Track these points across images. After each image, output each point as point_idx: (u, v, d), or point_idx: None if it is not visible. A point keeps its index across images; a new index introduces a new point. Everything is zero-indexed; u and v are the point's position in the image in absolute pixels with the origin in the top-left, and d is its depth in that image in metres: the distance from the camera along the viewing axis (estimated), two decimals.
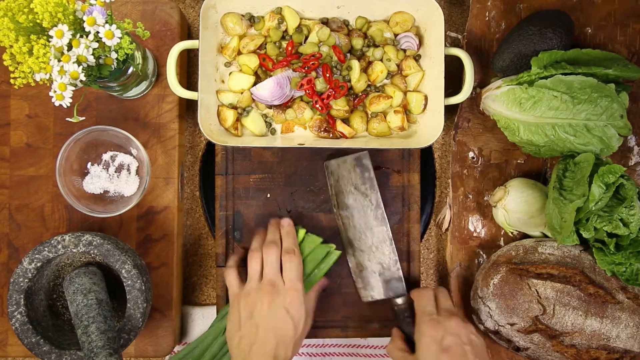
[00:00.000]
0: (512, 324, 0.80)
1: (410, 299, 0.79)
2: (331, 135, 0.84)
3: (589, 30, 0.88)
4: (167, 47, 0.84)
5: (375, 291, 0.82)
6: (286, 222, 0.80)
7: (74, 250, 0.75)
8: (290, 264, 0.74)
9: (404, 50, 0.84)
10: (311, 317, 0.78)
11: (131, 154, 0.85)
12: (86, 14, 0.66)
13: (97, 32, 0.66)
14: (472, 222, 0.89)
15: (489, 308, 0.81)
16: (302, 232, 0.80)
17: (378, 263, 0.81)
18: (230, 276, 0.77)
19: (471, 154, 0.88)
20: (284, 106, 0.83)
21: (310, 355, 0.89)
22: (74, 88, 0.67)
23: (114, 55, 0.69)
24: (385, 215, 0.80)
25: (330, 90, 0.82)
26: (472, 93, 0.84)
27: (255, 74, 0.83)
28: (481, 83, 0.88)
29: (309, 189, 0.87)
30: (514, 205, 0.83)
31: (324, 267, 0.80)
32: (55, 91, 0.67)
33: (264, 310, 0.71)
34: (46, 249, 0.75)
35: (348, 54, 0.84)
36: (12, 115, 0.86)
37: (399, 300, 0.79)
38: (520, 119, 0.78)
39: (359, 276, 0.83)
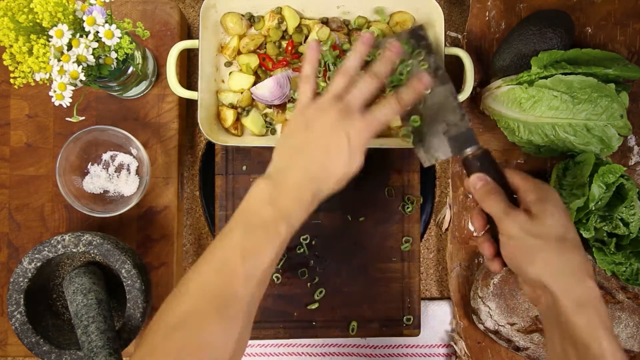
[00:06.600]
0: (512, 324, 0.80)
1: (482, 149, 0.65)
2: None
3: (589, 30, 0.88)
4: (167, 47, 0.84)
5: (440, 151, 0.69)
6: (395, 47, 0.66)
7: (74, 250, 0.75)
8: (383, 109, 0.63)
9: None
10: (362, 159, 0.63)
11: (131, 154, 0.85)
12: (86, 14, 0.66)
13: (97, 32, 0.66)
14: (472, 221, 0.88)
15: (489, 308, 0.81)
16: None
17: (442, 122, 0.69)
18: (306, 85, 0.65)
19: None
20: (284, 106, 0.83)
21: (310, 355, 0.89)
22: (73, 88, 0.67)
23: (113, 55, 0.69)
24: (447, 75, 0.69)
25: None
26: (472, 93, 0.84)
27: (255, 73, 0.83)
28: (481, 83, 0.88)
29: None
30: None
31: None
32: (55, 91, 0.67)
33: (325, 125, 0.61)
34: (46, 248, 0.75)
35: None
36: (12, 115, 0.86)
37: (469, 150, 0.66)
38: (520, 118, 0.78)
39: (420, 146, 0.70)
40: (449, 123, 0.68)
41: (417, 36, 0.72)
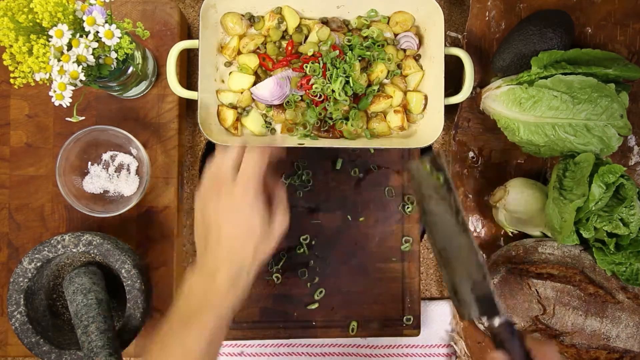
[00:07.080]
0: None
1: (510, 323, 0.62)
2: (331, 135, 0.84)
3: (589, 30, 0.88)
4: (167, 47, 0.84)
5: (472, 311, 0.65)
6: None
7: (74, 250, 0.75)
8: (248, 159, 0.65)
9: (404, 50, 0.84)
10: (285, 214, 0.67)
11: (131, 154, 0.85)
12: (86, 14, 0.66)
13: (97, 32, 0.66)
14: (472, 222, 0.88)
15: None
16: None
17: (468, 278, 0.65)
18: (233, 154, 0.68)
19: (471, 154, 0.88)
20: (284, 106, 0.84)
21: (310, 355, 0.89)
22: (73, 88, 0.67)
23: (113, 55, 0.69)
24: (466, 221, 0.67)
25: None
26: (472, 93, 0.84)
27: (255, 73, 0.83)
28: (481, 83, 0.88)
29: (307, 188, 0.87)
30: (514, 205, 0.83)
31: None
32: (55, 91, 0.67)
33: (212, 209, 0.64)
34: (46, 248, 0.75)
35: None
36: (12, 115, 0.86)
37: (496, 321, 0.62)
38: (520, 118, 0.78)
39: (455, 298, 0.67)
40: (474, 280, 0.64)
41: (436, 166, 0.67)
